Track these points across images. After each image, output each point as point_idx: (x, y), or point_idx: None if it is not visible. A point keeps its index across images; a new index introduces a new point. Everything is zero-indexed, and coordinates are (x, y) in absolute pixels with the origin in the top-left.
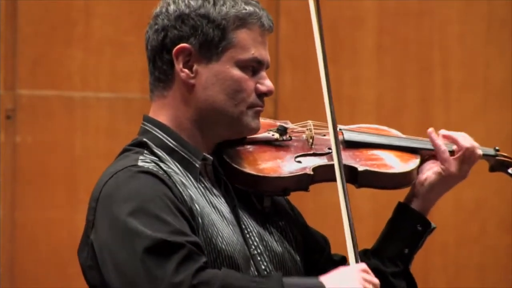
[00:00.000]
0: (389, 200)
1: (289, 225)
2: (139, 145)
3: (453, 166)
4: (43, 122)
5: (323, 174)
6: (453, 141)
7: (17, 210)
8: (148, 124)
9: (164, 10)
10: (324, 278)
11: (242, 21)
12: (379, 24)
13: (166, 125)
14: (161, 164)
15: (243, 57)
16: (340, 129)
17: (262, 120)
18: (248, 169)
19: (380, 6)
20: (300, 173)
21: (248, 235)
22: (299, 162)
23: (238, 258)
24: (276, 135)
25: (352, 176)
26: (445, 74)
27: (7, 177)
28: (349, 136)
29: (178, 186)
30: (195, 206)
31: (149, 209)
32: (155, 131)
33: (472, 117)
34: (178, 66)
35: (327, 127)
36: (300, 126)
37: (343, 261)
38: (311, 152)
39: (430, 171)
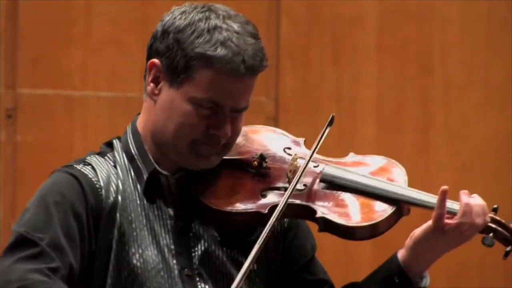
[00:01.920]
0: None
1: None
2: (109, 145)
3: (448, 225)
4: (43, 121)
5: (285, 212)
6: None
7: (17, 209)
8: (129, 126)
9: (164, 17)
10: None
11: (208, 61)
12: (379, 24)
13: (137, 131)
14: (105, 170)
15: (197, 95)
16: (323, 163)
17: (279, 134)
18: (204, 198)
19: (380, 6)
20: (253, 210)
21: (194, 257)
22: (264, 196)
23: (151, 279)
24: (256, 163)
25: (312, 218)
26: (445, 73)
27: (7, 177)
28: (328, 172)
29: (103, 192)
30: (118, 215)
31: (44, 203)
32: (128, 134)
33: (472, 117)
34: (148, 78)
35: (322, 159)
36: (298, 156)
37: None
38: (281, 186)
39: (424, 225)
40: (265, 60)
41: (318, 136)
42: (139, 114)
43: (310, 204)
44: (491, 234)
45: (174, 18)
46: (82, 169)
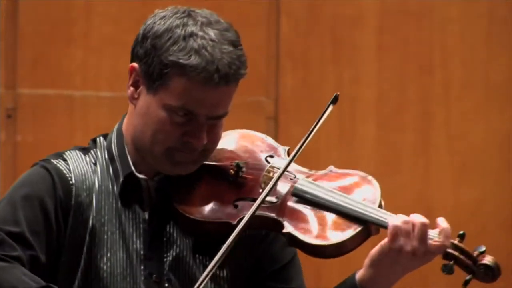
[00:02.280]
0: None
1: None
2: (94, 142)
3: (397, 241)
4: (44, 121)
5: (251, 223)
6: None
7: None
8: (116, 125)
9: (146, 20)
10: None
11: (182, 69)
12: (379, 24)
13: (121, 132)
14: (81, 166)
15: (171, 103)
16: (297, 177)
17: (264, 141)
18: (178, 204)
19: (380, 6)
20: (222, 220)
21: (166, 262)
22: (236, 206)
23: (115, 284)
24: (232, 171)
25: (280, 233)
26: (446, 73)
27: (7, 177)
28: (300, 186)
29: (74, 189)
30: (91, 218)
31: (13, 197)
32: (113, 134)
33: (472, 116)
34: (128, 82)
35: (302, 171)
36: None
37: None
38: (255, 197)
39: (381, 242)
40: (243, 68)
41: (296, 148)
42: (125, 114)
43: (279, 218)
44: (452, 262)
45: (154, 22)
46: (57, 164)
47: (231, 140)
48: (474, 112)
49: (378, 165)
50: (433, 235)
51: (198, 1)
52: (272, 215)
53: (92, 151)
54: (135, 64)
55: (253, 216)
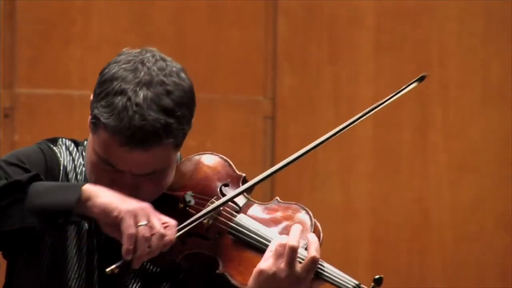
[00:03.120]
0: (386, 197)
1: None
2: (76, 144)
3: (265, 262)
4: (42, 121)
5: (192, 259)
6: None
7: None
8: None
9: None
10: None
11: (104, 125)
12: (377, 23)
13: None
14: (68, 157)
15: (98, 151)
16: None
17: (225, 166)
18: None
19: (378, 5)
20: (165, 255)
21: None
22: (183, 241)
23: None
24: (181, 205)
25: (217, 271)
26: (443, 72)
27: None
28: (235, 225)
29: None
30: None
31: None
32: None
33: (470, 116)
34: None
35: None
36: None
37: None
38: (202, 233)
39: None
40: (170, 136)
41: (248, 184)
42: None
43: (217, 256)
44: None
45: (110, 64)
46: (53, 148)
47: (190, 166)
48: (472, 111)
49: (376, 165)
50: (302, 256)
51: (196, 1)
52: (211, 253)
53: (81, 147)
54: (91, 96)
55: (191, 253)
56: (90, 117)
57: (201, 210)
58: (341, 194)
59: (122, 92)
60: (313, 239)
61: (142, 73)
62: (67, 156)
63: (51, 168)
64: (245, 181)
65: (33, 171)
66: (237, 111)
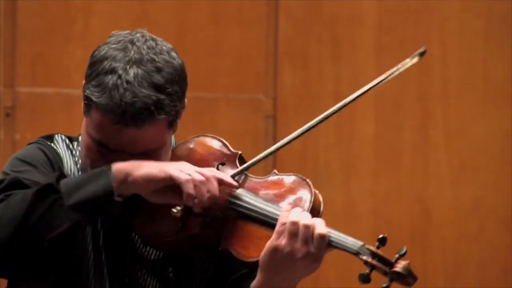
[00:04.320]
0: (387, 196)
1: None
2: (70, 139)
3: (279, 239)
4: (42, 120)
5: (193, 241)
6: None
7: None
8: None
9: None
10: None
11: (96, 105)
12: (378, 22)
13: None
14: (68, 153)
15: (91, 132)
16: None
17: (219, 146)
18: (136, 222)
19: (379, 4)
20: (168, 239)
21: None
22: (184, 224)
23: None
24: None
25: (218, 249)
26: (444, 71)
27: None
28: (235, 200)
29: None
30: None
31: (10, 165)
32: (80, 139)
33: (471, 115)
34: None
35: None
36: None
37: None
38: (204, 214)
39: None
40: (162, 113)
41: (249, 162)
42: None
43: (218, 234)
44: (368, 270)
45: (99, 46)
46: (51, 144)
47: (185, 150)
48: (473, 110)
49: (377, 164)
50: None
51: (197, 1)
52: (212, 232)
53: (75, 142)
54: (84, 82)
55: (192, 234)
56: (83, 103)
57: None
58: (342, 193)
59: (112, 71)
60: (316, 219)
61: (132, 52)
62: (66, 151)
63: (56, 165)
64: (241, 158)
65: (42, 169)
66: (238, 110)
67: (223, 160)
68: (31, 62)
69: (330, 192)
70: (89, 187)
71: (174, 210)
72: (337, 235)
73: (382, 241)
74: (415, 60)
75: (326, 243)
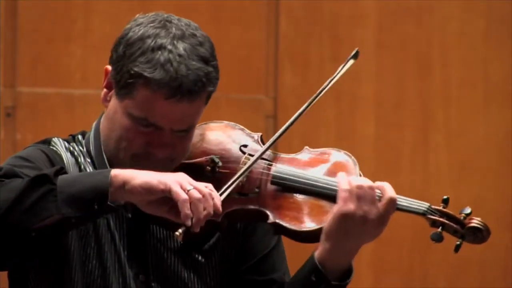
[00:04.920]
0: None
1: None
2: (73, 138)
3: (347, 205)
4: (43, 120)
5: (237, 217)
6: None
7: None
8: (94, 124)
9: (128, 24)
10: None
11: (145, 82)
12: (378, 22)
13: (99, 133)
14: (68, 155)
15: (134, 113)
16: (272, 163)
17: (235, 129)
18: None
19: (379, 4)
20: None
21: (149, 262)
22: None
23: (111, 283)
24: (208, 168)
25: (265, 223)
26: (445, 71)
27: None
28: (278, 173)
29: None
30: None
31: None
32: (91, 132)
33: (471, 115)
34: (103, 83)
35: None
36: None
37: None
38: (239, 190)
39: (329, 215)
40: (211, 85)
41: (275, 136)
42: (102, 112)
43: (262, 208)
44: (440, 228)
45: (130, 28)
46: (50, 146)
47: (202, 134)
48: (473, 110)
49: (377, 164)
50: (378, 195)
51: (198, 1)
52: (255, 206)
53: (72, 144)
54: (109, 67)
55: (231, 211)
56: (105, 90)
57: (231, 170)
58: None
59: (160, 47)
60: (381, 182)
61: (174, 28)
62: (66, 151)
63: (57, 164)
64: (262, 139)
65: (42, 167)
66: (238, 110)
67: (246, 143)
68: (32, 62)
69: None
70: (85, 184)
71: (177, 233)
72: (403, 198)
73: (446, 201)
74: (351, 63)
75: (396, 206)
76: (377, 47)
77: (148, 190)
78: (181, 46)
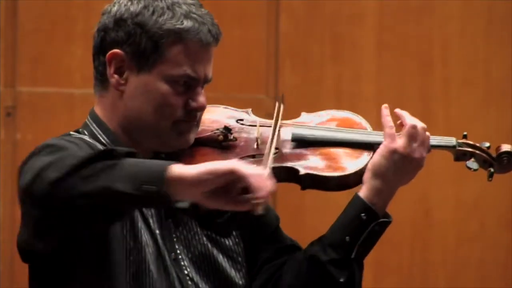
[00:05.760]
0: None
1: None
2: (77, 132)
3: (396, 141)
4: (43, 119)
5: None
6: (400, 117)
7: (17, 207)
8: (90, 119)
9: (109, 9)
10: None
11: (177, 36)
12: (379, 21)
13: (102, 123)
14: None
15: (173, 72)
16: (286, 123)
17: (225, 109)
18: None
19: (380, 3)
20: None
21: (177, 241)
22: None
23: (151, 264)
24: (221, 136)
25: (295, 178)
26: (445, 71)
27: (7, 174)
28: (297, 132)
29: None
30: None
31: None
32: (92, 126)
33: (472, 114)
34: (110, 71)
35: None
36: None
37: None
38: (255, 154)
39: (376, 154)
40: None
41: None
42: (91, 110)
43: (290, 164)
44: (472, 159)
45: (125, 5)
46: (77, 136)
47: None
48: (474, 109)
49: None
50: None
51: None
52: (283, 164)
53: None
54: (116, 50)
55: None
56: (116, 76)
57: (243, 137)
58: (343, 193)
59: (173, 3)
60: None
61: None
62: (89, 138)
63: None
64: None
65: (85, 148)
66: None
67: (238, 117)
68: (32, 61)
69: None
70: (147, 165)
71: (259, 210)
72: (433, 137)
73: (466, 137)
74: (282, 108)
75: (430, 146)
76: (378, 47)
77: (210, 173)
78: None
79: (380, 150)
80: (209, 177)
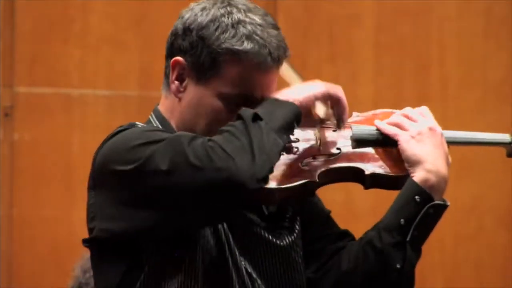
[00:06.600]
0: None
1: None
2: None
3: (401, 133)
4: (41, 120)
5: (331, 177)
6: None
7: (15, 207)
8: (153, 116)
9: (183, 14)
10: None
11: (235, 56)
12: (377, 22)
13: (165, 119)
14: None
15: (227, 91)
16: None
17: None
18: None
19: (377, 4)
20: (304, 181)
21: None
22: (306, 165)
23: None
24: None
25: (360, 178)
26: (443, 71)
27: (5, 175)
28: (357, 132)
29: None
30: None
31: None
32: (156, 123)
33: (470, 114)
34: (172, 77)
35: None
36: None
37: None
38: (319, 154)
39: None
40: (288, 49)
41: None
42: (157, 105)
43: (355, 164)
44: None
45: (195, 15)
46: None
47: None
48: (472, 110)
49: None
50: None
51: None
52: (348, 164)
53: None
54: (179, 58)
55: (331, 170)
56: (177, 82)
57: (302, 138)
58: (342, 194)
59: (239, 21)
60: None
61: (239, 5)
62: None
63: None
64: None
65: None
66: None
67: None
68: (30, 62)
69: (330, 192)
70: (278, 112)
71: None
72: (487, 134)
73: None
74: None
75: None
76: (375, 47)
77: (311, 96)
78: (256, 17)
79: (400, 146)
80: (313, 97)
